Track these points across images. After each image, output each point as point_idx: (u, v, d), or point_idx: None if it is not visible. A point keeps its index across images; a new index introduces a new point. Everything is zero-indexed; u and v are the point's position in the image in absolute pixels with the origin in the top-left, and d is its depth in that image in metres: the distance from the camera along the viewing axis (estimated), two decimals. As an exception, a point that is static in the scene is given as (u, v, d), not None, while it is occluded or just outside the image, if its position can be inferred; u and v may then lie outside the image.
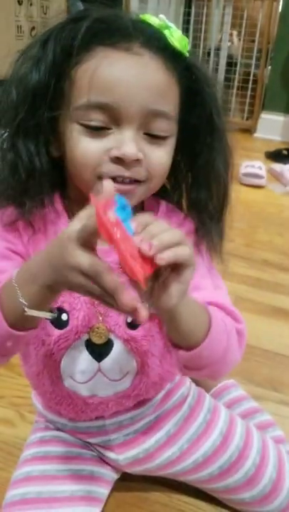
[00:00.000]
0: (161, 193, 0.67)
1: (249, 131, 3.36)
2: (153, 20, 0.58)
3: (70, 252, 0.45)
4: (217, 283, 0.68)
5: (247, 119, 3.38)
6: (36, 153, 0.58)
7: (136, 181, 0.57)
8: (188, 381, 0.84)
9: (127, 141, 0.54)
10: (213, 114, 0.60)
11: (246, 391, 1.01)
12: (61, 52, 0.55)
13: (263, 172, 2.38)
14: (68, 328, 0.65)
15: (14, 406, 1.02)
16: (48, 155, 0.60)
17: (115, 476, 0.80)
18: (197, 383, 0.86)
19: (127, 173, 0.55)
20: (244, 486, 0.76)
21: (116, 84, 0.53)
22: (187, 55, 0.59)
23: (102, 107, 0.53)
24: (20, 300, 0.51)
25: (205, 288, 0.64)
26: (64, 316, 0.65)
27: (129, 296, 0.42)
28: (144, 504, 0.84)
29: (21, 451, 0.81)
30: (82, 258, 0.44)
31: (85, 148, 0.55)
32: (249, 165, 2.37)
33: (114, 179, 0.54)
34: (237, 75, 3.31)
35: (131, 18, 0.58)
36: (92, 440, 0.77)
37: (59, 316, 0.65)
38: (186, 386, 0.82)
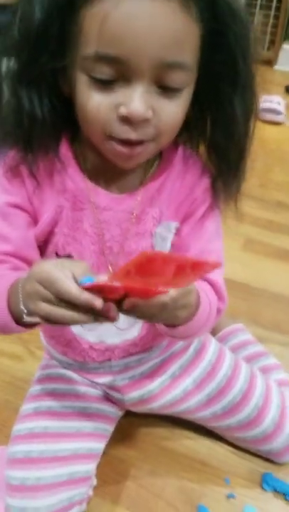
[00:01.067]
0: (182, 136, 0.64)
1: (269, 62, 3.18)
2: None
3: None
4: (219, 247, 0.68)
5: (268, 49, 3.20)
6: (39, 104, 0.55)
7: (143, 141, 0.54)
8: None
9: (135, 99, 0.49)
10: (238, 59, 0.53)
11: (252, 333, 1.02)
12: None
13: (281, 108, 2.28)
14: None
15: (23, 342, 1.05)
16: (57, 98, 0.56)
17: (120, 414, 0.83)
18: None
19: (133, 135, 0.52)
20: (246, 426, 0.79)
21: (125, 35, 0.46)
22: None
23: (110, 60, 0.48)
24: (21, 308, 0.52)
25: (211, 253, 0.65)
26: None
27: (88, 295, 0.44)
28: (147, 438, 0.88)
29: (29, 385, 0.84)
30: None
31: (93, 103, 0.51)
32: (267, 99, 2.27)
33: (122, 142, 0.53)
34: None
35: None
36: (98, 380, 0.79)
37: None
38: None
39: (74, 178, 0.62)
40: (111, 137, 0.53)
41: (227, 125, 0.58)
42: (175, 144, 0.64)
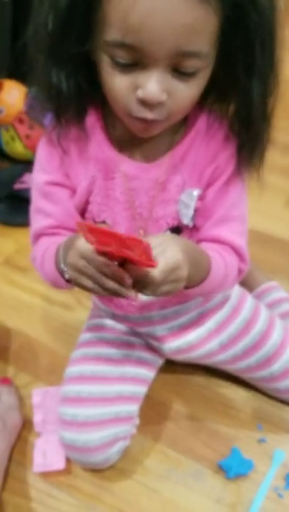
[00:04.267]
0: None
1: None
2: None
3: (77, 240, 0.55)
4: (243, 212, 0.71)
5: None
6: (66, 80, 0.59)
7: (157, 119, 0.57)
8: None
9: (151, 83, 0.52)
10: (256, 47, 0.54)
11: (287, 290, 1.05)
12: None
13: None
14: None
15: (73, 292, 1.12)
16: (84, 74, 0.59)
17: (160, 361, 0.90)
18: (241, 283, 0.91)
19: (150, 115, 0.55)
20: (282, 375, 0.84)
21: (144, 26, 0.48)
22: None
23: (129, 47, 0.51)
24: (62, 268, 0.62)
25: (232, 220, 0.70)
26: None
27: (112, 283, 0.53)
28: (187, 384, 0.95)
29: (79, 332, 0.92)
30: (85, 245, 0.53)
31: (115, 84, 0.55)
32: None
33: (138, 119, 0.57)
34: None
35: None
36: (139, 329, 0.86)
37: None
38: (230, 287, 0.88)
39: (102, 146, 0.67)
40: (130, 115, 0.57)
41: (245, 105, 0.60)
42: (200, 108, 0.66)
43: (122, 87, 0.55)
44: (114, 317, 0.87)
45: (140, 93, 0.53)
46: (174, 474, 0.83)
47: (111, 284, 0.52)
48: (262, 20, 0.52)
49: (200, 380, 0.96)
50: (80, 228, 0.50)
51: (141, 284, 0.53)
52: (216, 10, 0.50)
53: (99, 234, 0.49)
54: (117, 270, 0.52)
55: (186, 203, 0.68)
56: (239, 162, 0.66)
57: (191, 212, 0.69)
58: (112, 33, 0.51)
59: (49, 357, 1.01)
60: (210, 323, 0.85)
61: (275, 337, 0.84)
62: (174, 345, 0.85)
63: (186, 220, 0.69)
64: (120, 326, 0.87)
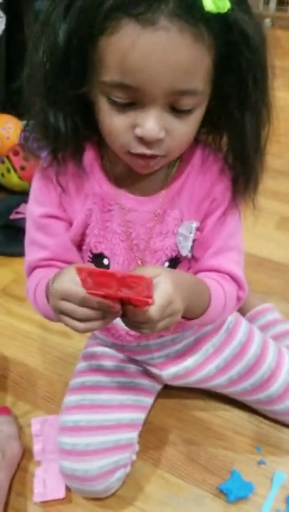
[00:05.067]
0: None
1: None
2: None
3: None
4: (239, 241, 0.72)
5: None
6: (64, 120, 0.60)
7: (157, 156, 0.58)
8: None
9: (149, 121, 0.53)
10: (248, 83, 0.55)
11: (283, 313, 1.07)
12: (84, 19, 0.51)
13: None
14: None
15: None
16: (82, 114, 0.60)
17: (158, 387, 0.91)
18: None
19: (148, 152, 0.57)
20: (278, 398, 0.85)
21: (139, 66, 0.49)
22: (225, 11, 0.49)
23: (126, 88, 0.52)
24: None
25: (229, 250, 0.71)
26: (105, 261, 0.72)
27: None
28: (185, 409, 0.96)
29: (77, 360, 0.93)
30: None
31: (112, 123, 0.56)
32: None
33: (138, 155, 0.58)
34: None
35: None
36: (137, 357, 0.87)
37: (101, 261, 0.72)
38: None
39: (100, 183, 0.68)
40: (129, 152, 0.58)
41: (238, 138, 0.62)
42: (195, 141, 0.66)
43: (120, 125, 0.55)
44: (111, 346, 0.88)
45: (139, 132, 0.54)
46: (174, 500, 0.83)
47: (97, 315, 0.53)
48: (254, 57, 0.54)
49: (198, 403, 0.96)
50: (78, 273, 0.50)
51: (139, 323, 0.54)
52: (210, 48, 0.51)
53: (98, 276, 0.49)
54: (102, 301, 0.51)
55: (185, 236, 0.69)
56: (235, 193, 0.67)
57: (189, 244, 0.70)
58: (110, 74, 0.52)
59: (48, 385, 1.01)
60: (206, 348, 0.86)
61: (269, 360, 0.85)
62: (172, 371, 0.86)
63: (185, 252, 0.70)
64: (118, 354, 0.89)
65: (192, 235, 0.69)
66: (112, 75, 0.52)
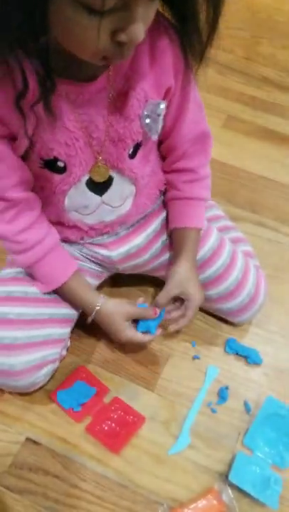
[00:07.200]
0: None
1: None
2: None
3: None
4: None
5: None
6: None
7: None
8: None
9: (136, 24, 0.47)
10: None
11: (225, 212, 1.03)
12: None
13: None
14: (67, 173, 0.67)
15: None
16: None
17: (105, 273, 0.89)
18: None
19: (128, 52, 0.51)
20: (228, 296, 0.84)
21: None
22: None
23: None
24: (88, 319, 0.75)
25: (201, 121, 0.76)
26: (60, 164, 0.66)
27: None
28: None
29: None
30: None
31: (87, 33, 0.47)
32: None
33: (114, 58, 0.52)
34: None
35: None
36: (87, 240, 0.81)
37: (55, 164, 0.66)
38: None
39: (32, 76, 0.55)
40: (104, 57, 0.52)
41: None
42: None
43: (95, 34, 0.47)
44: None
45: (123, 37, 0.48)
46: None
47: None
48: None
49: (140, 295, 0.93)
50: None
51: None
52: None
53: None
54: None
55: (154, 118, 0.66)
56: (185, 58, 0.63)
57: (159, 126, 0.68)
58: None
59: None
60: (155, 224, 0.84)
61: (224, 258, 0.84)
62: (123, 250, 0.83)
63: (155, 136, 0.68)
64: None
65: (161, 117, 0.66)
66: None
